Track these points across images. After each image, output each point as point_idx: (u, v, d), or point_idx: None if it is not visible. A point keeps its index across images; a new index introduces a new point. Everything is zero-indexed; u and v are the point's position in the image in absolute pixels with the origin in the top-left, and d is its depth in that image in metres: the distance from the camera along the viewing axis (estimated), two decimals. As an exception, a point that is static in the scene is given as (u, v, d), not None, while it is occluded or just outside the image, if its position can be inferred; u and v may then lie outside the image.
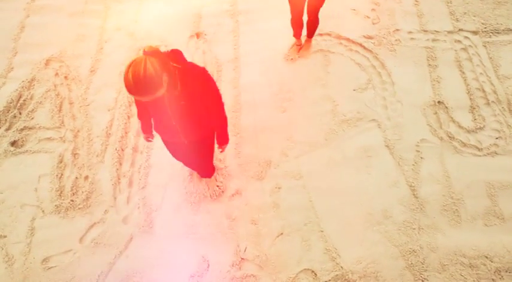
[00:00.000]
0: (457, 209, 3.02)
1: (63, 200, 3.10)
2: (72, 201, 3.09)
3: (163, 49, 3.78)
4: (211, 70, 3.69)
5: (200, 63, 3.72)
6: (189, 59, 3.80)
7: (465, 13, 4.03)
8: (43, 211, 3.07)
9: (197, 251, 2.90)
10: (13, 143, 3.34)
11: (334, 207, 3.05)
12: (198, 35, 3.94)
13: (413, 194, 3.09)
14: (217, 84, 3.61)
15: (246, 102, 3.52)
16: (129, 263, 2.86)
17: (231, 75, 3.67)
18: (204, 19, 4.05)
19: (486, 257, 2.83)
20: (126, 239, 2.95)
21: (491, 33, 3.90)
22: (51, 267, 2.86)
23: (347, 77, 3.62)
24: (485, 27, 3.93)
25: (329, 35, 3.88)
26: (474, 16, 4.00)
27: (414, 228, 2.95)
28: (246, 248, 2.90)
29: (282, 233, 2.96)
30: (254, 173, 3.20)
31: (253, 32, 3.95)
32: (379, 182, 3.15)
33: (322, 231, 2.96)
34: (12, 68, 3.75)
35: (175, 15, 4.11)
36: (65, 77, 3.68)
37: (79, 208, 3.07)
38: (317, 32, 3.75)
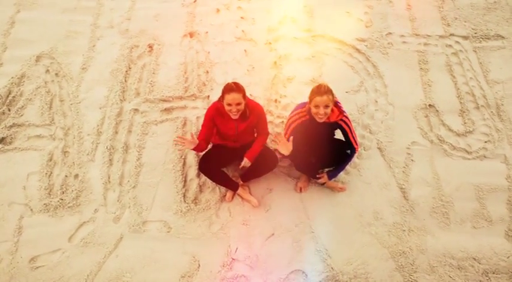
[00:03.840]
0: (446, 212, 3.06)
1: (53, 198, 3.06)
2: (62, 199, 3.05)
3: (156, 48, 3.75)
4: (203, 70, 3.69)
5: (193, 63, 3.73)
6: (182, 58, 3.78)
7: (456, 18, 4.09)
8: (31, 209, 3.02)
9: (188, 251, 2.88)
10: (1, 140, 3.29)
11: (325, 209, 3.07)
12: (191, 35, 3.93)
13: (404, 196, 3.12)
14: (209, 84, 3.61)
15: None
16: (118, 262, 2.83)
17: (222, 75, 3.66)
18: (197, 18, 4.04)
19: (474, 259, 2.87)
20: (116, 238, 2.92)
21: (481, 38, 3.96)
22: (39, 266, 2.81)
23: (340, 79, 3.64)
24: (476, 33, 3.99)
25: (323, 36, 3.90)
26: (465, 21, 4.06)
27: (404, 230, 2.98)
28: (237, 248, 2.89)
29: (273, 234, 2.96)
30: (246, 174, 3.20)
31: (250, 31, 3.96)
32: (370, 183, 3.17)
33: (313, 232, 2.97)
34: (2, 63, 3.69)
35: (169, 13, 4.09)
36: (56, 74, 3.63)
37: (68, 207, 3.03)
38: (310, 34, 3.78)
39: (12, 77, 3.58)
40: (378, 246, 2.92)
